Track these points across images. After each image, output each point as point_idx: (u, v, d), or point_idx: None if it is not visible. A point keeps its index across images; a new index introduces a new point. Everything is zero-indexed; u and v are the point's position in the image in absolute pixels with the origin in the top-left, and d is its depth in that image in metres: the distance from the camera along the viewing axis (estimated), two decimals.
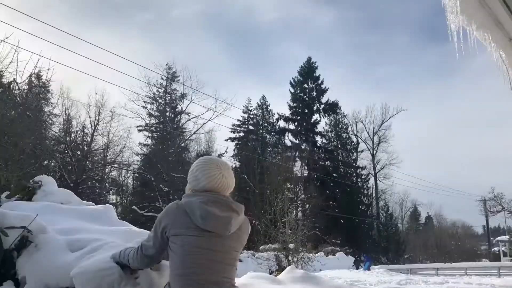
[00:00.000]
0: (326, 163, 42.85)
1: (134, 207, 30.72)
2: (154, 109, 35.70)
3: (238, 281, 2.60)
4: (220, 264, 2.00)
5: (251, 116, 43.35)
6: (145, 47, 58.46)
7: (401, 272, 23.44)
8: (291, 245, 19.77)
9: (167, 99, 36.24)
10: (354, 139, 45.90)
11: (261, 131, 42.92)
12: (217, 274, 1.98)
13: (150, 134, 35.66)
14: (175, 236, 2.00)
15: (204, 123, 34.62)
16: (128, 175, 36.73)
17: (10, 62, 13.23)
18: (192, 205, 2.00)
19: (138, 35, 60.01)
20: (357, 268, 24.63)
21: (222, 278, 1.99)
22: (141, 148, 35.33)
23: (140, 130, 35.01)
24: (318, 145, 43.55)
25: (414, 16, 72.76)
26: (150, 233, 2.17)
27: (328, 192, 38.66)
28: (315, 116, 43.78)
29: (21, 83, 14.70)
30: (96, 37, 50.65)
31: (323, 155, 43.12)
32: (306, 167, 40.70)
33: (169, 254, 2.04)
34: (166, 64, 36.16)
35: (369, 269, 22.47)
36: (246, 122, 43.02)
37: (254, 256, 21.13)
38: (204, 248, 1.97)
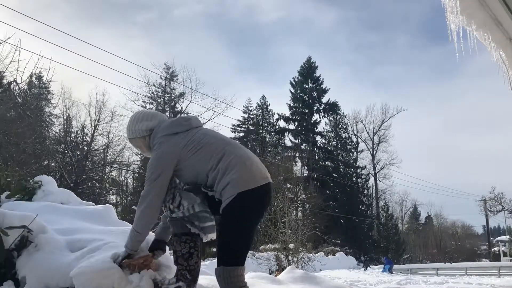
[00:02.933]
0: (326, 163, 42.83)
1: (134, 207, 30.63)
2: (154, 109, 35.70)
3: None
4: None
5: (251, 116, 43.37)
6: (147, 46, 58.50)
7: (401, 272, 23.44)
8: (291, 245, 19.76)
9: (166, 99, 36.25)
10: (354, 139, 45.93)
11: (261, 131, 42.92)
12: None
13: None
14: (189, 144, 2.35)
15: (204, 123, 34.53)
16: (128, 175, 36.74)
17: (11, 62, 13.23)
18: (172, 125, 2.44)
19: (140, 35, 60.03)
20: (366, 269, 24.10)
21: None
22: None
23: None
24: (318, 145, 43.55)
25: (415, 16, 72.77)
26: (151, 181, 2.27)
27: (328, 192, 38.64)
28: (315, 116, 43.80)
29: (21, 83, 14.70)
30: (98, 36, 50.61)
31: (323, 155, 43.11)
32: (306, 167, 40.70)
33: (200, 159, 2.28)
34: (165, 64, 36.19)
35: (390, 272, 21.89)
36: (246, 122, 43.03)
37: (254, 256, 21.11)
38: (204, 132, 2.50)
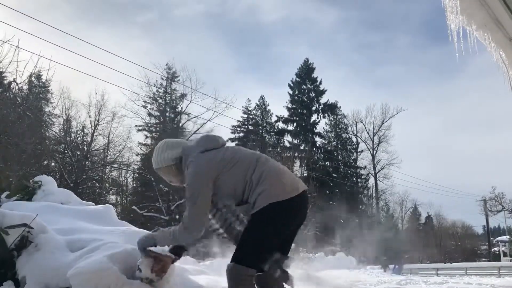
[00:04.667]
0: (326, 163, 42.85)
1: (134, 207, 30.69)
2: (154, 109, 35.72)
3: None
4: None
5: (251, 116, 43.39)
6: (148, 46, 58.38)
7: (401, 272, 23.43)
8: (292, 245, 19.75)
9: (167, 99, 36.25)
10: (354, 139, 45.93)
11: (260, 131, 42.96)
12: None
13: (150, 134, 35.66)
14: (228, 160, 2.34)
15: (204, 123, 34.58)
16: (128, 175, 36.73)
17: (10, 62, 13.24)
18: (206, 141, 2.48)
19: (140, 35, 59.96)
20: (385, 270, 23.19)
21: None
22: (141, 148, 35.34)
23: (139, 130, 35.03)
24: (318, 145, 43.58)
25: (416, 16, 72.72)
26: (192, 204, 2.24)
27: (328, 192, 38.65)
28: (314, 117, 43.85)
29: (21, 83, 14.70)
30: (99, 36, 50.48)
31: (322, 156, 43.14)
32: (305, 167, 40.70)
33: (235, 179, 2.29)
34: (166, 64, 36.14)
35: (400, 273, 21.46)
36: (246, 123, 43.05)
37: None
38: (235, 149, 2.51)
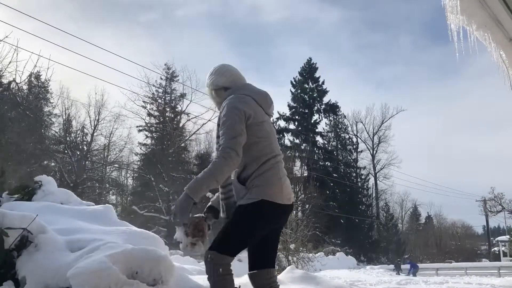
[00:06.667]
0: (326, 163, 42.82)
1: (134, 207, 30.70)
2: (154, 109, 35.70)
3: (238, 281, 2.60)
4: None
5: None
6: (149, 46, 58.47)
7: (401, 272, 23.43)
8: (292, 246, 19.75)
9: (167, 99, 36.24)
10: (354, 139, 45.93)
11: None
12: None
13: (150, 134, 35.66)
14: (260, 123, 2.29)
15: (204, 123, 34.58)
16: (128, 175, 36.74)
17: (10, 62, 13.24)
18: (260, 96, 2.40)
19: (143, 35, 59.98)
20: (398, 273, 23.01)
21: None
22: (141, 148, 35.34)
23: (140, 130, 35.01)
24: (318, 145, 43.54)
25: (417, 17, 72.77)
26: (231, 127, 2.17)
27: (328, 192, 38.63)
28: (315, 117, 43.78)
29: (20, 82, 14.71)
30: (101, 36, 50.55)
31: (323, 155, 43.12)
32: (306, 167, 40.67)
33: (254, 140, 2.25)
34: (165, 64, 36.15)
35: (415, 275, 21.41)
36: None
37: None
38: (272, 131, 2.40)
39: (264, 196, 2.18)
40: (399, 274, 21.91)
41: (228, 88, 2.44)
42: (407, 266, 24.28)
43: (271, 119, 2.57)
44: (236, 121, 2.19)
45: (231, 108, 2.24)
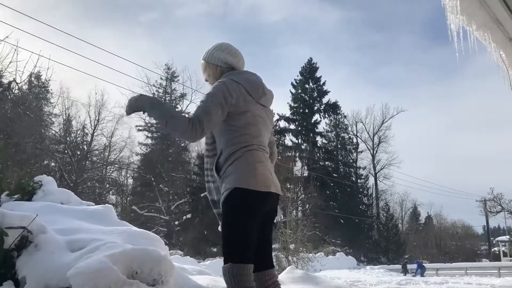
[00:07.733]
0: (326, 163, 42.81)
1: (134, 207, 30.72)
2: None
3: None
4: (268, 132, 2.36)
5: None
6: (150, 46, 58.51)
7: (402, 272, 23.45)
8: (292, 246, 19.76)
9: (167, 99, 36.23)
10: (354, 139, 45.92)
11: None
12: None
13: (150, 134, 35.67)
14: (242, 112, 2.20)
15: None
16: (128, 175, 36.73)
17: (10, 62, 13.24)
18: (251, 85, 2.27)
19: (143, 35, 60.01)
20: (405, 274, 22.98)
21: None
22: (141, 148, 35.35)
23: (140, 130, 35.04)
24: (319, 145, 43.52)
25: (418, 17, 72.76)
26: (209, 104, 2.09)
27: (328, 192, 38.62)
28: (316, 117, 43.76)
29: (21, 82, 14.71)
30: (102, 36, 50.59)
31: (323, 155, 43.10)
32: (306, 167, 40.67)
33: (231, 127, 2.19)
34: (165, 64, 36.19)
35: (422, 275, 21.39)
36: None
37: None
38: (262, 117, 2.29)
39: (236, 183, 2.08)
40: (405, 275, 21.80)
41: (232, 69, 2.40)
42: (414, 266, 24.27)
43: (272, 112, 2.50)
44: (218, 97, 2.12)
45: (220, 86, 2.18)
